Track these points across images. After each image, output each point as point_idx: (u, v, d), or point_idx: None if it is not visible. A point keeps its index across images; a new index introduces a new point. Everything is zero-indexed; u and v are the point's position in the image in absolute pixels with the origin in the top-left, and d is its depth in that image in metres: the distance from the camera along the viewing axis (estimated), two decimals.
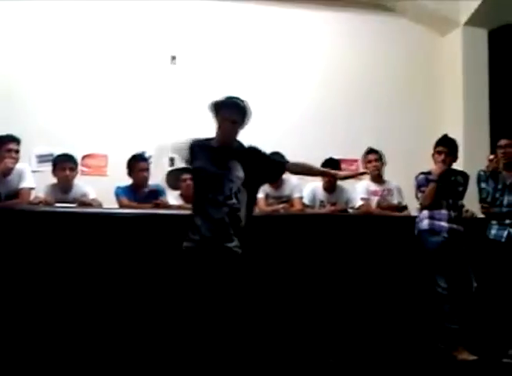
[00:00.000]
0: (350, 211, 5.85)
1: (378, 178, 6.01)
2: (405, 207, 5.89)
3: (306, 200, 5.83)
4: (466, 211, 5.60)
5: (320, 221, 5.18)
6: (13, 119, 6.23)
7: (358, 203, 5.87)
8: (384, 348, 4.77)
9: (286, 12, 7.49)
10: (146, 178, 5.56)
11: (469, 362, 4.73)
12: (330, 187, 5.82)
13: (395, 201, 5.98)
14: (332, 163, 5.82)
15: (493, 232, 5.16)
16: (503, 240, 5.08)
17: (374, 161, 5.98)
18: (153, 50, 7.08)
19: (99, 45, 6.99)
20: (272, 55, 7.36)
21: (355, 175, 4.71)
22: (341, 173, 4.48)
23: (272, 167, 4.03)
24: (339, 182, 5.81)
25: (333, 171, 4.44)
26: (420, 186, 5.25)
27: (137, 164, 5.56)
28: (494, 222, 5.19)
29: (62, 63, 6.86)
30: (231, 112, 3.87)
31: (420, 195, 5.25)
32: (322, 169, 4.81)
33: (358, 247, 5.03)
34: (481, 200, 5.32)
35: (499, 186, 5.21)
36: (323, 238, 4.95)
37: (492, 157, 5.33)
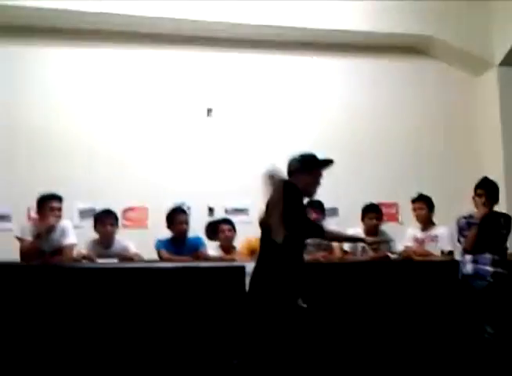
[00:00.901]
0: (391, 256, 5.78)
1: (425, 225, 5.88)
2: (451, 253, 5.78)
3: (347, 247, 5.80)
4: (511, 254, 5.50)
5: (361, 268, 5.16)
6: (55, 174, 6.41)
7: (400, 246, 5.81)
8: None
9: (319, 62, 7.57)
10: (186, 231, 5.59)
11: None
12: (371, 232, 5.78)
13: (441, 247, 5.85)
14: (372, 208, 5.82)
15: None
16: None
17: (419, 209, 5.88)
18: (189, 103, 7.20)
19: (138, 99, 7.14)
20: (306, 106, 7.41)
21: (381, 242, 5.20)
22: (369, 239, 4.70)
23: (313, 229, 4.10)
24: (382, 227, 5.85)
25: (360, 237, 4.63)
26: (461, 230, 5.20)
27: (176, 216, 5.60)
28: None
29: (101, 118, 7.01)
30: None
31: (462, 239, 5.19)
32: (351, 235, 5.06)
33: (400, 293, 4.99)
34: None
35: None
36: (365, 285, 4.91)
37: None
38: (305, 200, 4.01)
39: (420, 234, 5.89)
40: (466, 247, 5.10)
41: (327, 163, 3.99)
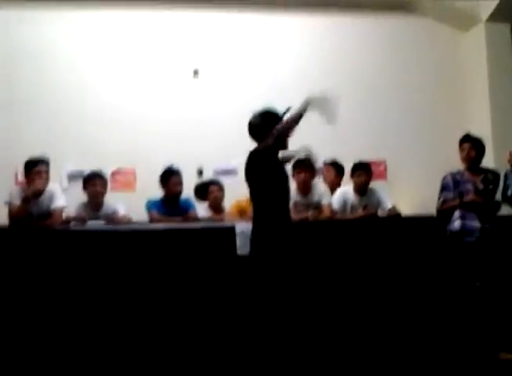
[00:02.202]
0: (380, 213, 5.81)
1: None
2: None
3: (336, 206, 5.81)
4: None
5: (349, 226, 5.18)
6: (42, 138, 6.36)
7: (389, 205, 5.83)
8: (428, 348, 4.74)
9: (310, 21, 7.47)
10: (180, 192, 5.59)
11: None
12: (361, 190, 5.81)
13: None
14: (362, 166, 5.84)
15: None
16: None
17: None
18: (176, 64, 7.14)
19: (125, 61, 7.09)
20: (295, 65, 7.35)
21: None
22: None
23: None
24: (372, 183, 5.86)
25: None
26: (443, 189, 5.22)
27: (171, 177, 5.59)
28: None
29: (89, 80, 6.95)
30: None
31: (441, 197, 5.22)
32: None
33: (389, 250, 5.02)
34: (502, 194, 5.27)
35: None
36: (353, 243, 4.94)
37: None
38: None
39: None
40: (439, 209, 5.18)
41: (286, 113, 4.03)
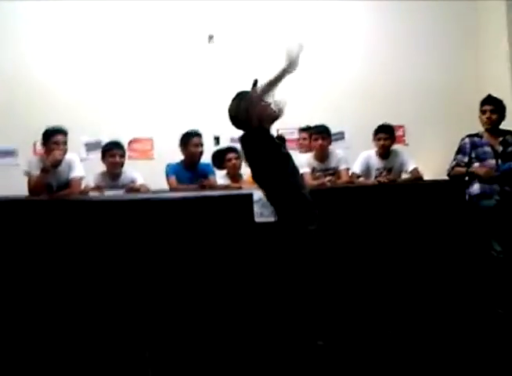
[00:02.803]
0: (404, 175, 5.82)
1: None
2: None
3: (358, 170, 5.81)
4: None
5: (367, 192, 5.15)
6: (60, 110, 6.33)
7: (411, 166, 5.78)
8: (442, 313, 4.74)
9: None
10: (200, 154, 5.59)
11: None
12: (384, 153, 5.78)
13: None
14: (384, 129, 5.81)
15: None
16: None
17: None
18: (190, 30, 7.05)
19: (138, 27, 7.01)
20: (311, 31, 7.22)
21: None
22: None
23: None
24: (393, 147, 5.82)
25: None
26: (458, 152, 5.21)
27: (191, 139, 5.58)
28: None
29: (103, 49, 6.91)
30: None
31: (455, 159, 5.19)
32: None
33: (408, 216, 4.98)
34: None
35: None
36: (372, 209, 4.91)
37: None
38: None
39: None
40: (450, 173, 5.24)
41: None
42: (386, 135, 5.75)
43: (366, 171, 5.81)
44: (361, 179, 5.77)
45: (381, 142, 5.74)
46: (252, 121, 3.64)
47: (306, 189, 3.78)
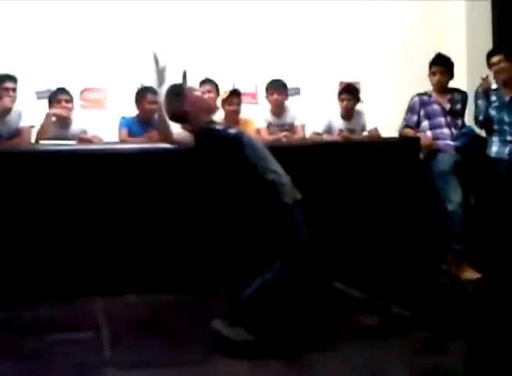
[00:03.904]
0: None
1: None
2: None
3: (320, 130, 5.78)
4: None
5: (323, 150, 5.15)
6: (10, 58, 6.11)
7: (370, 126, 5.79)
8: (387, 268, 4.84)
9: None
10: (154, 111, 5.47)
11: (473, 281, 4.82)
12: (347, 115, 5.75)
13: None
14: (350, 90, 5.80)
15: (494, 149, 5.14)
16: (506, 156, 5.08)
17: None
18: None
19: None
20: None
21: None
22: None
23: None
24: (357, 107, 5.78)
25: None
26: (408, 111, 5.30)
27: (145, 95, 5.46)
28: (495, 139, 5.17)
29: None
30: None
31: (405, 119, 5.33)
32: None
33: (361, 174, 5.02)
34: (475, 118, 5.33)
35: (496, 104, 5.16)
36: (327, 167, 4.91)
37: (485, 75, 5.23)
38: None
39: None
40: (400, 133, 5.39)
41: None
42: (349, 96, 5.71)
43: (328, 131, 5.77)
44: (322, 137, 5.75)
45: (344, 103, 5.70)
46: (189, 116, 3.51)
47: (271, 165, 3.50)
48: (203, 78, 5.84)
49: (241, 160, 3.38)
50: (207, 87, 5.72)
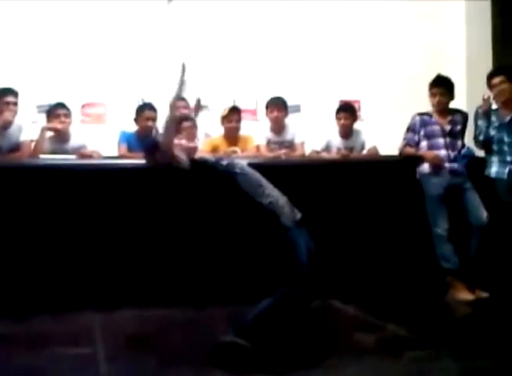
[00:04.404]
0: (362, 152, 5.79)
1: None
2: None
3: (319, 148, 5.79)
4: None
5: (322, 168, 5.16)
6: (11, 72, 6.16)
7: (369, 144, 5.77)
8: (385, 286, 4.86)
9: None
10: (151, 128, 5.50)
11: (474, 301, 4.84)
12: (345, 133, 5.74)
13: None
14: (347, 108, 5.83)
15: (494, 169, 5.15)
16: (505, 176, 5.07)
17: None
18: None
19: None
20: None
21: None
22: None
23: None
24: (355, 126, 5.79)
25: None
26: (408, 130, 5.31)
27: (144, 112, 5.49)
28: (494, 159, 5.18)
29: (58, 10, 6.63)
30: None
31: (406, 138, 5.31)
32: None
33: (359, 193, 5.04)
34: (474, 138, 5.33)
35: (496, 124, 5.17)
36: (326, 185, 4.93)
37: (486, 96, 5.25)
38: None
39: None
40: (401, 153, 5.34)
41: None
42: (346, 115, 5.72)
43: (326, 150, 5.78)
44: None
45: (342, 121, 5.70)
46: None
47: (266, 190, 3.53)
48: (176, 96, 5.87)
49: (236, 190, 3.43)
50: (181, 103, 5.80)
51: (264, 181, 3.52)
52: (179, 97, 3.63)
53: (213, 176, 3.52)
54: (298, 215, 3.50)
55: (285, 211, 3.44)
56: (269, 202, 3.41)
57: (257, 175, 3.54)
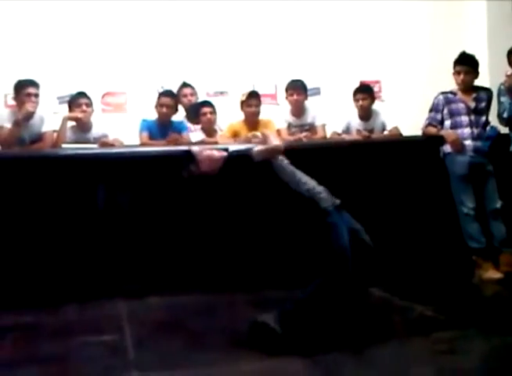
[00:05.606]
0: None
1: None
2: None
3: (339, 130, 5.76)
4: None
5: (345, 150, 5.14)
6: (32, 64, 6.20)
7: (391, 125, 5.70)
8: (411, 268, 4.83)
9: None
10: (167, 115, 5.52)
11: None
12: (364, 114, 5.69)
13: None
14: (365, 89, 5.77)
15: None
16: None
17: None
18: None
19: None
20: None
21: None
22: None
23: None
24: (374, 107, 5.74)
25: None
26: (431, 110, 5.24)
27: (160, 99, 5.53)
28: None
29: (79, 4, 6.63)
30: None
31: (429, 118, 5.24)
32: None
33: (382, 173, 5.00)
34: (498, 115, 5.27)
35: None
36: (349, 166, 4.90)
37: (509, 72, 5.16)
38: None
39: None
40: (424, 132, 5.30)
41: None
42: (364, 95, 5.65)
43: (347, 132, 5.73)
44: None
45: (360, 102, 5.64)
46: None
47: (302, 178, 3.58)
48: (182, 82, 5.96)
49: (273, 178, 3.52)
50: (187, 91, 5.88)
51: (298, 171, 3.58)
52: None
53: (248, 166, 3.58)
54: (337, 201, 3.53)
55: (323, 197, 3.49)
56: (307, 189, 3.48)
57: (291, 166, 3.60)
